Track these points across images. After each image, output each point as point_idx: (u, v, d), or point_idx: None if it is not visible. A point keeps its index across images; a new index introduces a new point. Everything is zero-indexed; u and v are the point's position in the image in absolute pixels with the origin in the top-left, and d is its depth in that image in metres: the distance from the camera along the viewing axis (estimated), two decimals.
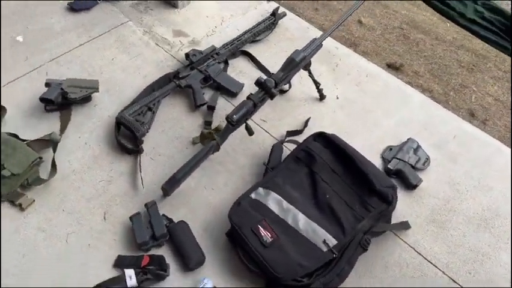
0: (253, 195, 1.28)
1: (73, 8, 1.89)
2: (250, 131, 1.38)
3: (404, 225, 1.31)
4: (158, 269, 1.15)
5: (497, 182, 1.45)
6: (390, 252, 1.27)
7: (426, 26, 2.46)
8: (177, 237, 1.23)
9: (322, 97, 1.64)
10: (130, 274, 1.14)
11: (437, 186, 1.43)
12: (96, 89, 1.54)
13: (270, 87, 1.33)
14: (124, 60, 1.73)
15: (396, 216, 1.32)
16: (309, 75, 1.54)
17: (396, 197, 1.28)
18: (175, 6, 1.96)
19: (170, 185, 1.29)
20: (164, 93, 1.57)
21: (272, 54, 1.80)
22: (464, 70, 2.18)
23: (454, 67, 2.18)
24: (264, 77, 1.35)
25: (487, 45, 2.15)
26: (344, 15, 1.54)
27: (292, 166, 1.36)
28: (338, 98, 1.66)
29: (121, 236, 1.25)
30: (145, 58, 1.74)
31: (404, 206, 1.36)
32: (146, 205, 1.27)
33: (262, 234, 1.18)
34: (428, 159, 1.48)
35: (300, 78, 1.64)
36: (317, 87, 1.60)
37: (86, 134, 1.48)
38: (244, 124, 1.37)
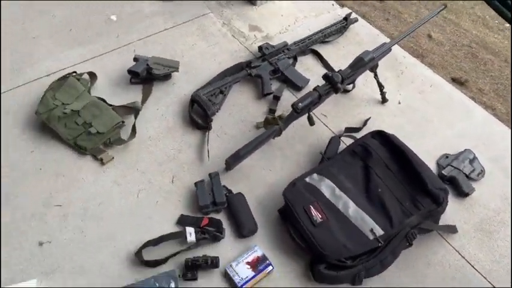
0: (307, 179, 1.36)
1: None
2: (311, 121, 1.47)
3: (451, 229, 1.35)
4: (216, 231, 1.27)
5: None
6: (434, 251, 1.31)
7: (497, 47, 2.44)
8: (234, 206, 1.34)
9: (384, 100, 1.69)
10: (190, 231, 1.25)
11: (489, 197, 1.44)
12: (176, 69, 1.70)
13: (337, 82, 1.42)
14: (202, 47, 1.88)
15: (445, 219, 1.35)
16: (375, 77, 1.60)
17: (447, 200, 1.30)
18: (253, 3, 2.10)
19: (234, 160, 1.41)
20: (236, 79, 1.70)
21: (340, 56, 1.88)
22: None
23: None
24: None
25: None
26: (415, 24, 1.60)
27: (348, 159, 1.43)
28: (399, 103, 1.71)
29: (185, 198, 1.38)
30: (221, 47, 1.89)
31: (454, 212, 1.39)
32: (210, 175, 1.40)
33: (313, 214, 1.26)
34: (483, 171, 1.49)
35: (364, 81, 1.71)
36: (381, 90, 1.65)
37: (163, 107, 1.64)
38: (307, 114, 1.47)
